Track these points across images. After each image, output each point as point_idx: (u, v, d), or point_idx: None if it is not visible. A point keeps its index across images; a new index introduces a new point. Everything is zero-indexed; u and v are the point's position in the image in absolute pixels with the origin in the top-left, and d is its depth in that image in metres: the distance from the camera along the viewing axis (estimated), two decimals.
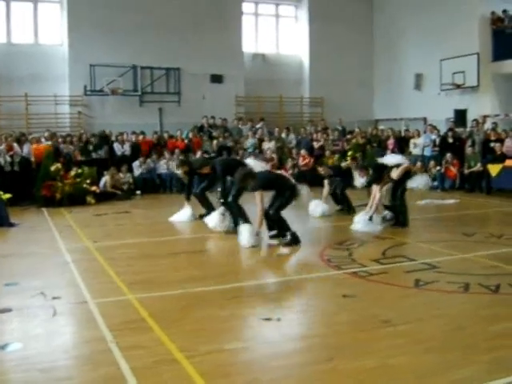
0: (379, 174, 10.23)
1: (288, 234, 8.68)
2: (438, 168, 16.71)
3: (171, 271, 7.23)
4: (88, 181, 14.12)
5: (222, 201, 10.02)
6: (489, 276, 6.69)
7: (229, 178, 10.00)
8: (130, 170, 16.26)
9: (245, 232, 8.64)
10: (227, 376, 4.09)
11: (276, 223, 8.83)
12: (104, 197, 14.30)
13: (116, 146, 17.05)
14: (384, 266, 7.33)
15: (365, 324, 5.13)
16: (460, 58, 19.27)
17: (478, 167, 15.77)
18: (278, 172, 10.45)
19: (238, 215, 9.56)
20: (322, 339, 4.84)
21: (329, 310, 5.68)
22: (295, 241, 8.66)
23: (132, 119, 18.93)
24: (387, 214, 10.54)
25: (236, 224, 9.49)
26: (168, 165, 16.74)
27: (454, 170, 16.30)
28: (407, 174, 10.50)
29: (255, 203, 8.56)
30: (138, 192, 15.94)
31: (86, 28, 18.95)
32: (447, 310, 5.57)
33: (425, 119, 20.53)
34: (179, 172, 12.20)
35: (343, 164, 12.96)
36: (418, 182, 10.76)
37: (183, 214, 11.25)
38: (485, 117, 18.59)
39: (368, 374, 4.10)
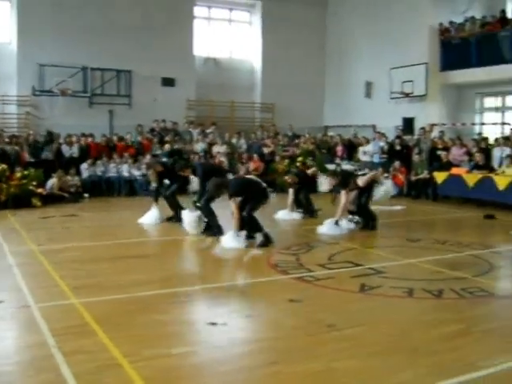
0: (346, 180, 10.44)
1: (260, 234, 9.07)
2: (386, 175, 16.95)
3: (117, 275, 7.14)
4: (34, 183, 13.83)
5: (197, 204, 10.06)
6: (432, 281, 6.83)
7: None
8: (78, 172, 16.03)
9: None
10: (171, 381, 4.06)
11: (248, 224, 9.06)
12: (51, 199, 14.03)
13: (64, 147, 16.78)
14: (330, 270, 7.40)
15: (310, 328, 5.16)
16: (409, 68, 19.67)
17: (425, 174, 16.10)
18: (249, 176, 10.60)
19: (208, 217, 9.77)
20: (268, 343, 4.85)
21: (275, 314, 5.70)
22: (268, 241, 8.98)
23: (81, 121, 18.65)
24: (354, 218, 10.82)
25: (208, 227, 9.79)
26: (117, 168, 16.56)
27: (401, 177, 16.58)
28: (372, 183, 10.78)
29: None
30: (86, 195, 15.71)
31: (36, 27, 18.64)
32: (391, 315, 5.66)
33: (374, 126, 20.82)
34: (149, 173, 11.88)
35: (309, 171, 13.12)
36: (382, 190, 11.04)
37: (150, 216, 11.17)
38: (432, 125, 18.98)
39: (313, 377, 4.13)
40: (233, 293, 6.56)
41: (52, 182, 14.67)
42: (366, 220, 10.78)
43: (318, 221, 10.78)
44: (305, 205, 12.23)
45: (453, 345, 4.80)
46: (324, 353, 4.58)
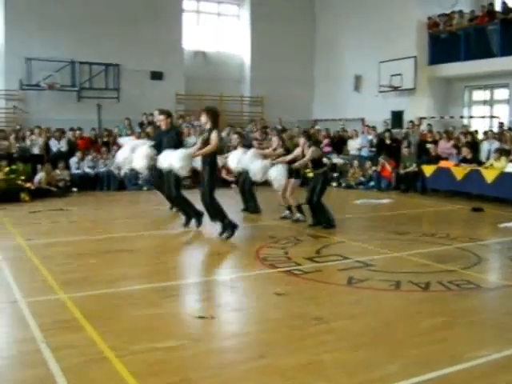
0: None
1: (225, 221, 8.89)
2: (374, 168, 17.03)
3: (105, 269, 7.13)
4: (22, 177, 13.78)
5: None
6: (420, 274, 6.87)
7: None
8: (68, 167, 15.97)
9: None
10: (158, 374, 4.07)
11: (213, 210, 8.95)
12: (39, 194, 13.98)
13: (52, 142, 16.70)
14: (318, 264, 7.43)
15: (298, 321, 5.18)
16: (398, 61, 19.70)
17: (413, 168, 16.15)
18: None
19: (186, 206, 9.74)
20: (255, 336, 4.88)
21: (262, 307, 5.72)
22: (233, 228, 8.88)
23: (69, 115, 18.56)
24: (299, 216, 10.65)
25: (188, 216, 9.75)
26: (106, 163, 16.51)
27: (389, 169, 16.63)
28: (325, 174, 10.32)
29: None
30: (75, 189, 15.66)
31: (23, 21, 18.49)
32: (378, 307, 5.70)
33: (363, 120, 20.87)
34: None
35: None
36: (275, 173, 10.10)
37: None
38: (421, 119, 19.07)
39: (299, 370, 4.15)
40: (221, 286, 6.58)
41: (40, 176, 14.62)
42: (321, 217, 10.14)
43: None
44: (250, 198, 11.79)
45: (439, 337, 4.84)
46: (311, 345, 4.60)
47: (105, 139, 17.68)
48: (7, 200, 12.99)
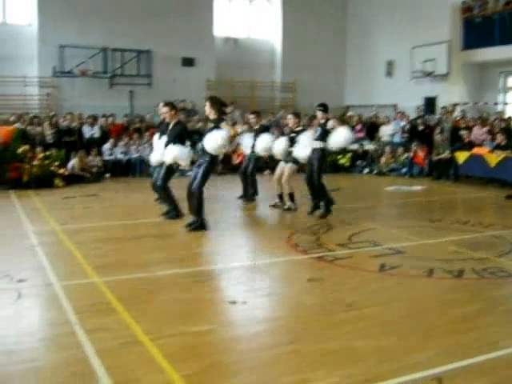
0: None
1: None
2: (407, 155, 16.87)
3: (138, 254, 7.21)
4: (56, 163, 13.96)
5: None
6: (452, 261, 6.81)
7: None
8: (100, 153, 16.12)
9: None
10: (191, 358, 4.10)
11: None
12: (72, 179, 14.16)
13: (85, 128, 16.86)
14: (350, 250, 7.41)
15: (329, 307, 5.19)
16: (431, 46, 19.40)
17: (446, 154, 15.96)
18: None
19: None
20: (287, 322, 4.89)
21: (294, 293, 5.73)
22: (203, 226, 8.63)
23: (102, 101, 18.71)
24: (290, 204, 10.37)
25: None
26: (138, 149, 16.62)
27: (422, 156, 16.47)
28: (323, 157, 9.86)
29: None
30: (107, 175, 15.83)
31: (56, 8, 18.64)
32: (410, 295, 5.67)
33: (395, 106, 20.66)
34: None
35: None
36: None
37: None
38: (454, 105, 18.79)
39: (330, 356, 4.15)
40: (252, 272, 6.59)
41: (73, 162, 14.79)
42: (322, 201, 9.90)
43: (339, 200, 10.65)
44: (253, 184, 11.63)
45: (473, 325, 4.80)
46: (343, 331, 4.60)
47: (137, 125, 17.79)
48: (41, 185, 13.20)
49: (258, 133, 11.09)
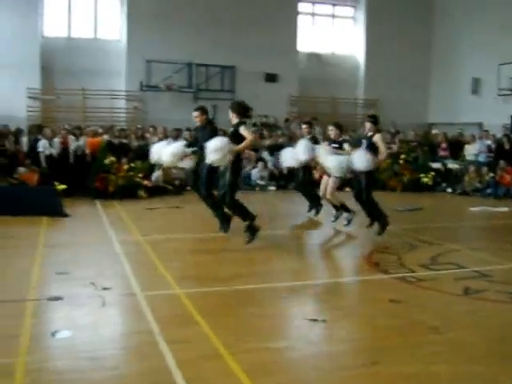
0: None
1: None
2: (492, 175, 16.38)
3: (219, 267, 7.29)
4: (141, 175, 14.32)
5: None
6: None
7: None
8: None
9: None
10: (270, 374, 4.11)
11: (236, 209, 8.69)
12: (155, 191, 14.48)
13: (169, 141, 17.18)
14: (433, 272, 7.23)
15: (410, 329, 5.08)
16: None
17: None
18: None
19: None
20: (366, 342, 4.82)
21: (375, 313, 5.64)
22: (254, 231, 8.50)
23: (186, 115, 18.94)
24: (348, 215, 10.06)
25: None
26: None
27: (508, 177, 15.95)
28: (371, 172, 9.32)
29: None
30: (189, 188, 16.05)
31: (144, 24, 19.26)
32: (495, 320, 5.47)
33: (480, 124, 20.14)
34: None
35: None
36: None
37: None
38: None
39: (408, 379, 4.07)
40: (333, 290, 6.54)
41: (157, 174, 15.12)
42: (376, 218, 9.53)
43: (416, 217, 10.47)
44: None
45: None
46: (424, 355, 4.48)
47: None
48: (125, 196, 13.56)
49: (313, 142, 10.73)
